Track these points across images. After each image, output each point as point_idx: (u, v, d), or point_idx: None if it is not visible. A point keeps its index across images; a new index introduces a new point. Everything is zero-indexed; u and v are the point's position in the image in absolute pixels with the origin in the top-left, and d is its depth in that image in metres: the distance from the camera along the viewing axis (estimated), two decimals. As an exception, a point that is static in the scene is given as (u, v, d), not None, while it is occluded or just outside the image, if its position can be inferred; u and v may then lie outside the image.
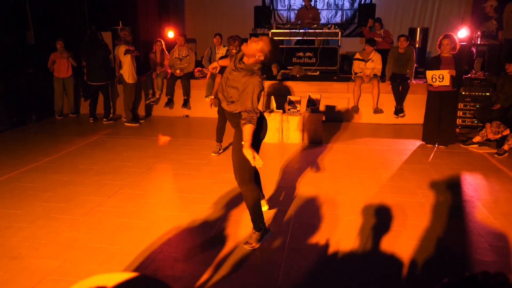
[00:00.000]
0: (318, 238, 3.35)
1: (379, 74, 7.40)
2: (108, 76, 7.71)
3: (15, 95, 7.48)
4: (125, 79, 7.32)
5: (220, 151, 5.64)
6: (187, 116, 8.20)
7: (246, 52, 2.96)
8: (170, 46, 8.44)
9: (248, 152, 2.80)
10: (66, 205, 4.03)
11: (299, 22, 9.38)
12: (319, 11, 10.32)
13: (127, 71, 7.26)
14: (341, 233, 3.41)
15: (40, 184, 4.60)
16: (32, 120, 7.76)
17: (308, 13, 9.59)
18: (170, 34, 9.61)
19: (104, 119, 7.72)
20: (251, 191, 3.11)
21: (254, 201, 3.12)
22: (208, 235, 3.42)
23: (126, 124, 7.52)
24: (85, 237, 3.40)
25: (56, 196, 4.26)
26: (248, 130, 2.85)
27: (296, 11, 12.09)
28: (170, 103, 8.09)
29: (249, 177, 3.10)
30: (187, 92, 7.92)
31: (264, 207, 3.74)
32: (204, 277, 2.83)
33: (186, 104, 8.02)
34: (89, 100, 7.90)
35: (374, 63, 7.40)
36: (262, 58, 2.94)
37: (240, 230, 3.49)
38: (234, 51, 5.19)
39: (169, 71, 8.06)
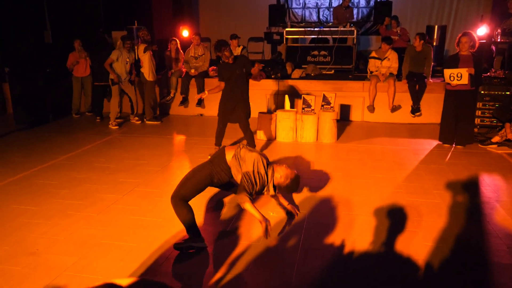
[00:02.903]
0: (333, 238, 3.32)
1: (395, 73, 7.31)
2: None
3: (33, 94, 7.61)
4: (146, 77, 7.37)
5: None
6: (201, 115, 8.23)
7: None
8: (185, 45, 8.48)
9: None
10: (82, 202, 4.09)
11: (330, 21, 9.31)
12: (331, 9, 10.25)
13: (147, 69, 7.32)
14: (355, 234, 3.38)
15: (57, 181, 4.67)
16: (50, 119, 7.89)
17: (345, 13, 9.52)
18: (185, 33, 9.66)
19: (98, 118, 7.80)
20: (178, 208, 3.16)
21: (182, 218, 3.15)
22: (222, 234, 3.43)
23: (147, 122, 7.58)
24: (100, 234, 3.44)
25: (72, 193, 4.32)
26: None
27: (310, 9, 12.03)
28: (184, 101, 8.13)
29: (183, 195, 3.18)
30: (201, 91, 7.95)
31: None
32: (218, 275, 2.83)
33: (200, 103, 8.05)
34: (97, 100, 7.95)
35: (390, 61, 7.30)
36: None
37: (254, 229, 3.48)
38: (231, 59, 5.06)
39: (184, 70, 8.10)
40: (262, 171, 3.25)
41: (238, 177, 3.27)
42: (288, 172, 3.33)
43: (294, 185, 3.36)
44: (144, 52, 7.24)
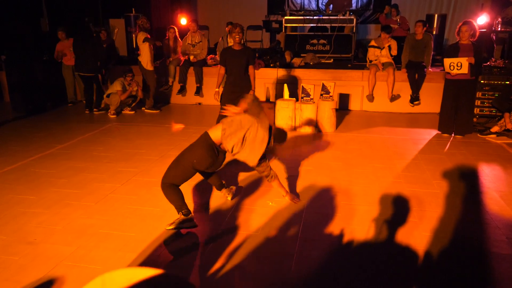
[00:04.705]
0: (331, 228, 3.32)
1: (394, 53, 7.23)
2: (98, 68, 7.51)
3: (30, 82, 7.53)
4: (144, 67, 7.27)
5: None
6: (199, 103, 8.18)
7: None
8: (183, 33, 8.40)
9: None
10: (80, 191, 4.07)
11: (330, 8, 9.19)
12: None
13: (145, 58, 7.21)
14: (354, 224, 3.38)
15: (54, 170, 4.65)
16: (48, 107, 7.81)
17: (343, 1, 9.39)
18: (183, 21, 9.56)
19: (95, 109, 7.53)
20: (166, 192, 3.24)
21: (169, 198, 3.25)
22: (220, 224, 3.42)
23: (146, 110, 7.51)
24: (98, 223, 3.43)
25: (70, 182, 4.30)
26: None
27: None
28: (182, 90, 8.08)
29: (169, 182, 3.23)
30: (199, 80, 7.89)
31: (228, 197, 3.86)
32: (217, 265, 2.83)
33: (198, 91, 8.00)
34: (84, 92, 7.68)
35: (390, 50, 7.24)
36: None
37: (253, 219, 3.47)
38: (237, 39, 5.09)
39: (182, 58, 8.02)
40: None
41: (240, 150, 3.23)
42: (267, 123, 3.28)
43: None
44: (144, 42, 7.13)
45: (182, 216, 3.22)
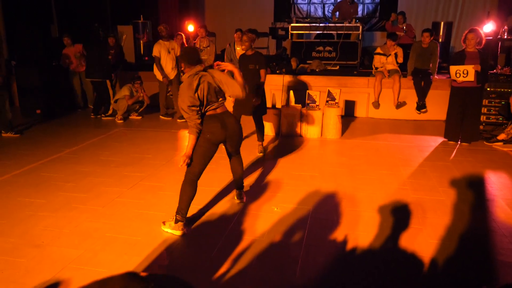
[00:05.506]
0: (336, 234, 3.32)
1: (400, 61, 7.24)
2: (104, 74, 7.52)
3: (39, 87, 7.61)
4: (159, 78, 7.29)
5: None
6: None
7: None
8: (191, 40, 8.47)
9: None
10: (87, 195, 4.10)
11: (337, 15, 9.22)
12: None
13: (157, 70, 7.22)
14: (359, 230, 3.38)
15: (62, 174, 4.69)
16: (56, 112, 7.89)
17: (350, 8, 9.43)
18: (190, 27, 9.65)
19: (103, 115, 7.58)
20: (183, 189, 3.32)
21: (181, 195, 3.32)
22: (225, 229, 3.43)
23: (161, 117, 7.54)
24: (105, 227, 3.45)
25: (77, 186, 4.34)
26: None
27: (315, 5, 11.97)
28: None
29: (193, 174, 3.31)
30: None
31: (236, 200, 3.94)
32: (222, 270, 2.84)
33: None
34: (95, 98, 7.77)
35: (396, 57, 7.25)
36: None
37: (258, 224, 3.48)
38: (243, 47, 5.13)
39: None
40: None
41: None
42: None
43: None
44: (153, 55, 7.11)
45: (173, 222, 3.32)
